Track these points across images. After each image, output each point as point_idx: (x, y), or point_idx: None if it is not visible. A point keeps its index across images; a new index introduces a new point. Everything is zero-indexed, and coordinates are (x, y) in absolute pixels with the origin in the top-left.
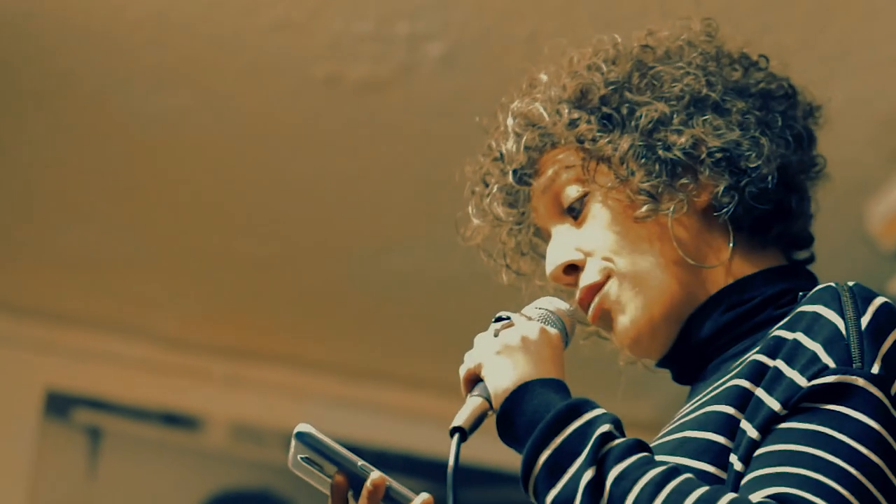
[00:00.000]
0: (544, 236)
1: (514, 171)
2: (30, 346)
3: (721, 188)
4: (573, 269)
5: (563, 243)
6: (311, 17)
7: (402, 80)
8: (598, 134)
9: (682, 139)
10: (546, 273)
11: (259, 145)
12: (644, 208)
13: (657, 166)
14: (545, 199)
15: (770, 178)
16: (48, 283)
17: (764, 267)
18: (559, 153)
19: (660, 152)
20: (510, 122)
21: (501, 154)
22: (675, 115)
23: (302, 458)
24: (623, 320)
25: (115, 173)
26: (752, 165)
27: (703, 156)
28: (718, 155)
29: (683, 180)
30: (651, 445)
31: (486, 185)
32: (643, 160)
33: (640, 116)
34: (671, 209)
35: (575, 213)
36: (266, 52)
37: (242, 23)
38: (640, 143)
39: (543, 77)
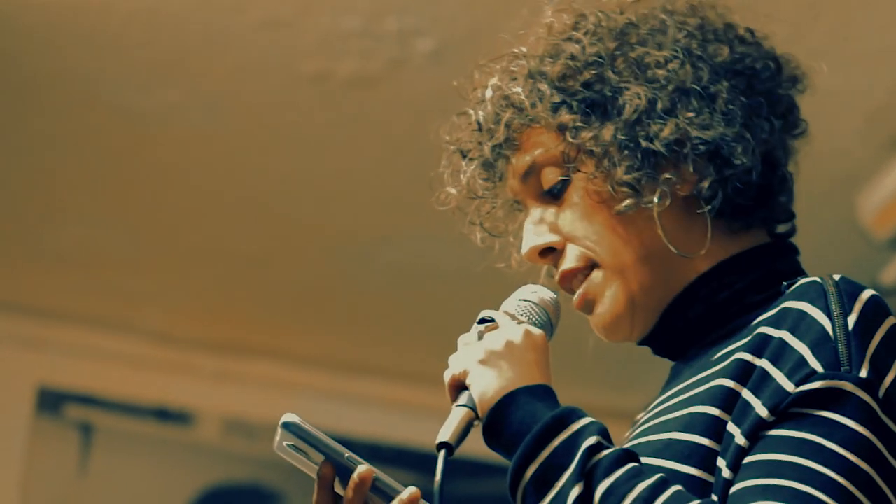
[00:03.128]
0: (522, 206)
1: (493, 147)
2: (21, 342)
3: (705, 184)
4: (550, 251)
5: (541, 224)
6: (299, 14)
7: (392, 75)
8: (580, 124)
9: (666, 131)
10: (521, 252)
11: (249, 142)
12: (626, 202)
13: (640, 159)
14: (524, 177)
15: (755, 170)
16: (39, 280)
17: (745, 247)
18: (540, 133)
19: (643, 143)
20: (489, 94)
21: (479, 125)
22: (658, 102)
23: (288, 444)
24: (602, 310)
25: (105, 170)
26: (737, 161)
27: (687, 149)
28: (703, 148)
29: (666, 174)
30: (636, 441)
31: (464, 156)
32: (625, 152)
33: (623, 105)
34: (653, 202)
35: (555, 193)
36: (255, 49)
37: (231, 20)
38: (623, 136)
39: (523, 48)
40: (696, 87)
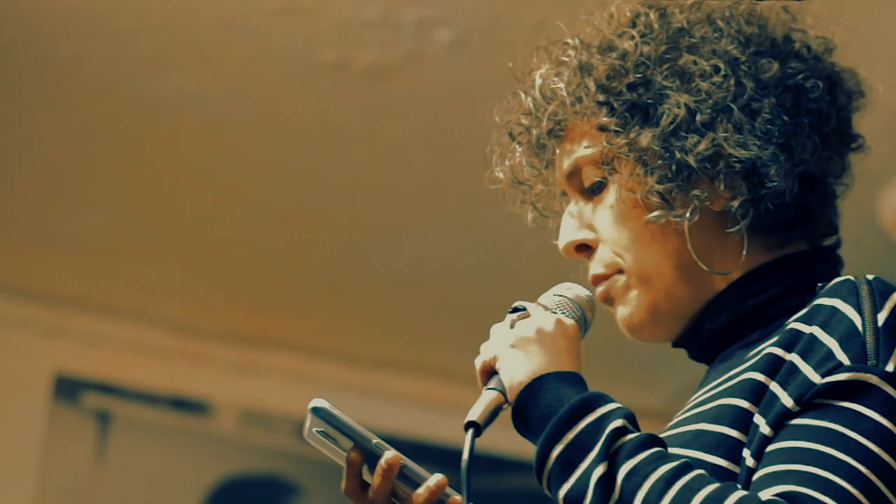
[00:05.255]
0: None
1: (538, 135)
2: (39, 330)
3: (736, 202)
4: (585, 246)
5: (578, 218)
6: (318, 2)
7: (410, 66)
8: (618, 128)
9: (702, 145)
10: (558, 243)
11: (266, 131)
12: (655, 212)
13: (673, 171)
14: (566, 169)
15: (788, 191)
16: (58, 268)
17: (782, 253)
18: (584, 126)
19: (677, 155)
20: (539, 82)
21: (528, 111)
22: (697, 115)
23: (317, 430)
24: (624, 313)
25: (122, 158)
26: (770, 183)
27: (721, 166)
28: (737, 166)
29: (697, 190)
30: (666, 434)
31: (512, 138)
32: (660, 162)
33: (663, 114)
34: (683, 216)
35: (594, 190)
36: (273, 37)
37: (249, 7)
38: (658, 145)
39: (577, 38)
40: (737, 103)
